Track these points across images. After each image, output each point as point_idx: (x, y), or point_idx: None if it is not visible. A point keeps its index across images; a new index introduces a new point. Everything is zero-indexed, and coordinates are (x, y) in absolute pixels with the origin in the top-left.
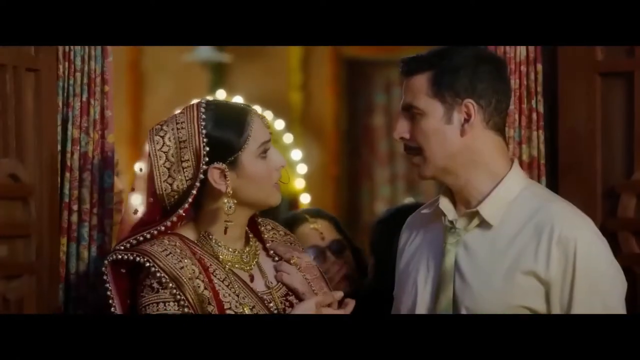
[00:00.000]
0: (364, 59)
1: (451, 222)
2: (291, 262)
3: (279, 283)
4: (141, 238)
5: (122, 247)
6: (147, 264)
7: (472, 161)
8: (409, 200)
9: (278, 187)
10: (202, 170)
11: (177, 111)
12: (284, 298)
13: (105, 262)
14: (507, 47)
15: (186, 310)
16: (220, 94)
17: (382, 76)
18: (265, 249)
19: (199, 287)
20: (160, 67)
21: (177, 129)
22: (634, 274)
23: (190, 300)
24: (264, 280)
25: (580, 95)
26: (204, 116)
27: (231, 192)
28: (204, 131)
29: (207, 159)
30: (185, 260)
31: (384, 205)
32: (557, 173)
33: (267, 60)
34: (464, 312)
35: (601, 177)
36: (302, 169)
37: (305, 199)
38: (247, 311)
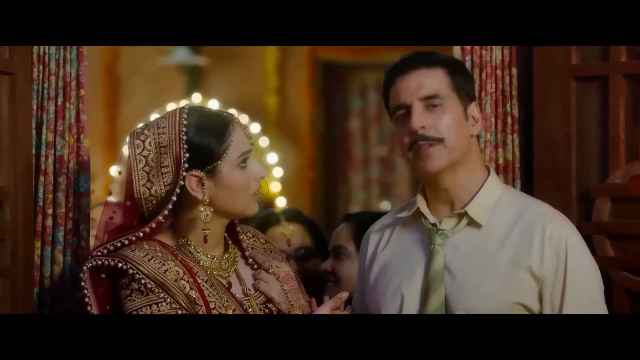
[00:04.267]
0: (340, 63)
1: (433, 224)
2: (270, 271)
3: (257, 291)
4: (119, 244)
5: (100, 253)
6: (131, 271)
7: (469, 162)
8: (384, 204)
9: (256, 198)
10: (181, 177)
11: (154, 115)
12: (264, 305)
13: (84, 267)
14: (483, 51)
15: (180, 312)
16: (196, 98)
17: (358, 80)
18: (245, 257)
19: (184, 287)
20: (136, 71)
21: (158, 133)
22: (608, 277)
23: (183, 303)
24: (242, 287)
25: (555, 99)
26: (185, 122)
27: (208, 200)
28: (184, 137)
29: (186, 165)
30: (169, 262)
31: (359, 208)
32: (532, 177)
33: (243, 63)
34: (460, 312)
35: (576, 181)
36: (278, 172)
37: (281, 202)
38: (230, 313)
